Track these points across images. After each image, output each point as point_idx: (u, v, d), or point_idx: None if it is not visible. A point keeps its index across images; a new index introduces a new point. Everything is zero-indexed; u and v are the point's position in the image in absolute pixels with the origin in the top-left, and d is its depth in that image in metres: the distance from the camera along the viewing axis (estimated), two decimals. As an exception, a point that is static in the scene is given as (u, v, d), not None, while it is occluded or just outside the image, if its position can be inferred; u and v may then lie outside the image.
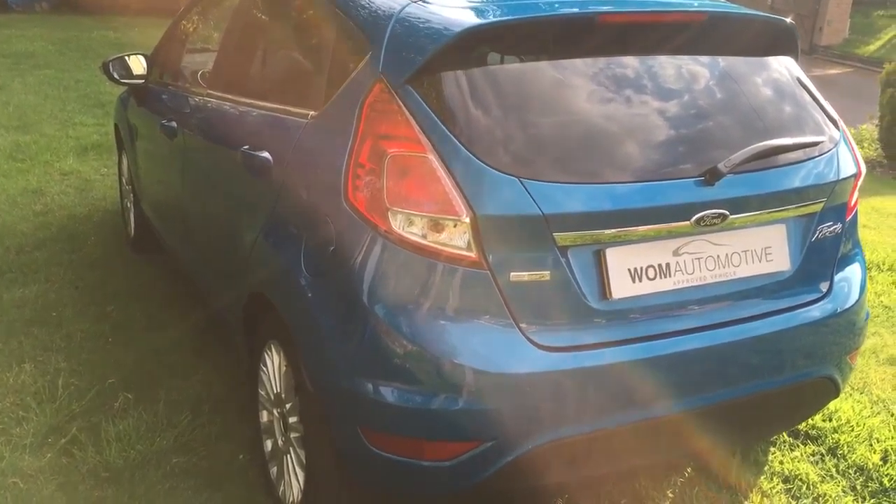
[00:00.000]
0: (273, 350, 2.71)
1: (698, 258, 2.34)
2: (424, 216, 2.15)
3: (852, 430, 3.31)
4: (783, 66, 2.68)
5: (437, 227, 2.15)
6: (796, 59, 2.75)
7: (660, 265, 2.30)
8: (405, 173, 2.17)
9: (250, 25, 3.31)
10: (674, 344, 2.29)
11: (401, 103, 2.23)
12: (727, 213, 2.31)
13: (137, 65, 4.29)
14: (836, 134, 2.64)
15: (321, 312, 2.33)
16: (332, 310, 2.30)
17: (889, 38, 19.70)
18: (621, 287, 2.25)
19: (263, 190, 2.72)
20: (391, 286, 2.19)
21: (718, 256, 2.37)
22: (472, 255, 2.14)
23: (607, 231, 2.21)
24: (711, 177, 2.28)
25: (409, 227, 2.16)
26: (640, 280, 2.28)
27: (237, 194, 2.96)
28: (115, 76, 4.18)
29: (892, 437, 3.27)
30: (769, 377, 2.49)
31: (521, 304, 2.17)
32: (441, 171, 2.14)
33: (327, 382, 2.32)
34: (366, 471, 2.34)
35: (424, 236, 2.15)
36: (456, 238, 2.14)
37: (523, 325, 2.18)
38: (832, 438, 3.25)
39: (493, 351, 2.17)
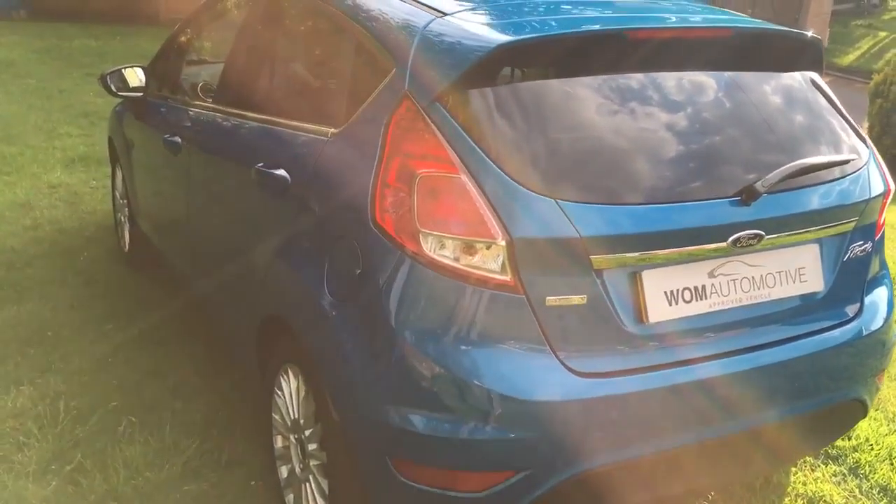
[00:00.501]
0: (290, 374, 2.62)
1: (733, 279, 2.29)
2: (457, 238, 2.08)
3: (871, 449, 3.27)
4: (809, 82, 2.64)
5: (469, 249, 2.08)
6: (821, 74, 2.71)
7: (695, 287, 2.24)
8: (436, 194, 2.10)
9: (262, 39, 3.22)
10: (710, 368, 2.23)
11: (430, 122, 2.16)
12: (763, 233, 2.26)
13: (134, 77, 4.20)
14: (865, 151, 2.60)
15: (346, 337, 2.25)
16: (358, 335, 2.22)
17: (867, 48, 19.86)
18: (658, 310, 2.19)
19: (280, 209, 2.64)
20: (422, 310, 2.11)
21: (753, 278, 2.32)
22: (507, 278, 2.07)
23: (644, 253, 2.15)
24: (748, 196, 2.23)
25: (440, 249, 2.09)
26: (677, 303, 2.22)
27: (250, 213, 2.87)
28: (113, 89, 4.08)
29: (913, 456, 3.24)
30: (803, 400, 2.44)
31: (556, 328, 2.11)
32: (474, 193, 2.07)
33: (354, 410, 2.24)
34: (395, 502, 2.25)
35: (457, 259, 2.08)
36: (489, 261, 2.07)
37: (559, 351, 2.11)
38: (852, 458, 3.21)
39: (529, 377, 2.10)
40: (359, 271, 2.22)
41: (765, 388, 2.34)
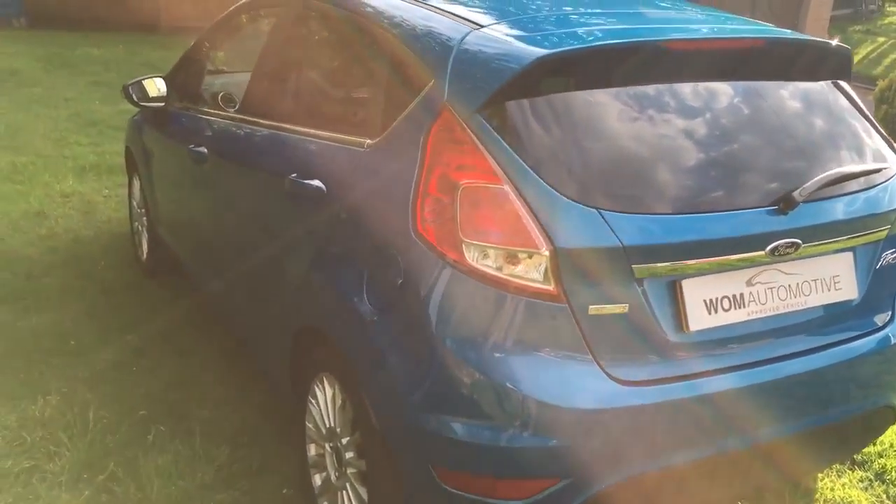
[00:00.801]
0: (325, 383, 2.64)
1: (771, 288, 2.31)
2: (500, 248, 2.10)
3: (896, 455, 3.29)
4: (838, 91, 2.66)
5: (513, 259, 2.10)
6: (848, 82, 2.74)
7: (734, 296, 2.26)
8: (480, 205, 2.12)
9: (292, 51, 3.24)
10: (751, 376, 2.25)
11: (471, 133, 2.18)
12: (800, 242, 2.28)
13: (153, 87, 4.21)
14: (894, 160, 2.62)
15: (388, 346, 2.26)
16: (400, 344, 2.24)
17: (866, 53, 19.91)
18: (698, 319, 2.21)
19: (314, 219, 2.66)
20: (464, 319, 2.13)
21: (790, 286, 2.34)
22: (551, 287, 2.09)
23: (685, 262, 2.17)
24: (786, 205, 2.25)
25: (483, 259, 2.11)
26: (716, 311, 2.24)
27: (282, 223, 2.89)
28: (135, 99, 4.10)
29: (937, 462, 3.26)
30: (837, 407, 2.47)
31: (599, 337, 2.13)
32: (518, 203, 2.09)
33: (396, 419, 2.25)
34: (436, 510, 2.27)
35: (500, 269, 2.10)
36: (532, 270, 2.09)
37: (601, 359, 2.13)
38: (878, 464, 3.23)
39: (572, 385, 2.12)
40: (400, 281, 2.24)
41: (800, 396, 2.37)
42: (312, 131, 2.80)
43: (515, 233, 2.09)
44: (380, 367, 2.28)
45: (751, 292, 2.29)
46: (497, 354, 2.11)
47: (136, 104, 4.16)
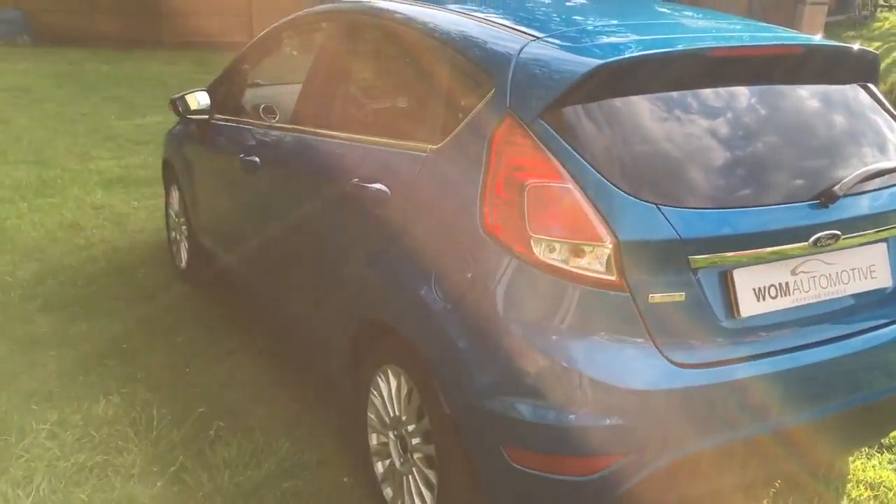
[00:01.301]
0: (389, 374, 2.80)
1: (813, 277, 2.48)
2: (566, 242, 2.27)
3: (923, 439, 3.46)
4: (869, 93, 2.84)
5: (578, 252, 2.27)
6: (877, 85, 2.92)
7: (780, 284, 2.43)
8: (546, 203, 2.29)
9: (346, 62, 3.42)
10: (796, 359, 2.42)
11: (534, 137, 2.35)
12: (839, 233, 2.45)
13: (194, 101, 4.37)
14: (922, 156, 2.80)
15: (459, 335, 2.43)
16: (470, 333, 2.40)
17: (861, 58, 20.11)
18: (748, 306, 2.38)
19: (378, 220, 2.82)
20: (533, 308, 2.30)
21: (830, 275, 2.51)
22: (614, 278, 2.26)
23: (737, 253, 2.35)
24: (827, 199, 2.43)
25: (550, 252, 2.28)
26: (764, 299, 2.41)
27: (343, 225, 3.05)
28: (181, 111, 4.27)
29: (963, 444, 3.43)
30: (875, 388, 2.63)
31: (658, 323, 2.29)
32: (582, 200, 2.26)
33: (467, 404, 2.42)
34: (506, 488, 2.43)
35: (566, 261, 2.27)
36: (597, 262, 2.26)
37: (660, 344, 2.30)
38: (905, 447, 3.40)
39: (634, 368, 2.29)
40: (470, 275, 2.41)
41: (841, 378, 2.54)
42: (373, 138, 2.98)
43: (580, 227, 2.26)
44: (451, 354, 2.45)
45: (795, 281, 2.46)
46: (563, 340, 2.28)
47: (182, 116, 4.33)
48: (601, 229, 2.25)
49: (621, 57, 2.41)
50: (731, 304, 2.37)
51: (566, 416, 2.28)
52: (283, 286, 3.67)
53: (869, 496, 3.10)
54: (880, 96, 2.87)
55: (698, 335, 2.34)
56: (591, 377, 2.26)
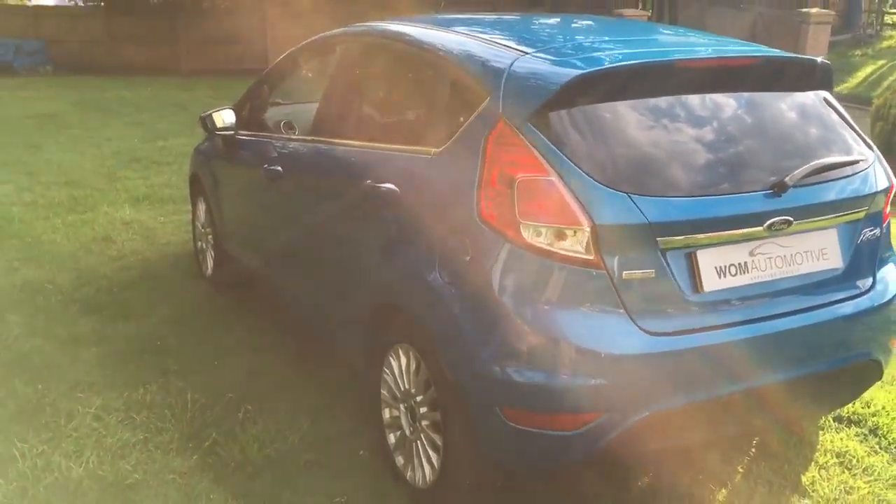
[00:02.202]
0: (400, 353, 3.16)
1: (769, 258, 2.83)
2: (551, 227, 2.63)
3: (888, 414, 3.78)
4: (822, 99, 3.20)
5: (561, 235, 2.63)
6: (831, 92, 3.27)
7: (739, 264, 2.79)
8: (533, 193, 2.66)
9: (357, 80, 3.83)
10: (754, 329, 2.77)
11: (523, 138, 2.72)
12: (791, 219, 2.81)
13: (219, 119, 4.76)
14: (870, 155, 3.15)
15: (459, 312, 2.79)
16: (469, 309, 2.77)
17: (865, 75, 20.46)
18: (710, 282, 2.73)
19: (388, 215, 3.20)
20: (523, 285, 2.66)
21: (785, 256, 2.86)
22: (592, 257, 2.62)
23: (700, 235, 2.70)
24: (779, 189, 2.79)
25: (537, 236, 2.64)
26: (725, 276, 2.76)
27: (358, 222, 3.43)
28: (209, 127, 4.68)
29: (924, 419, 3.76)
30: (829, 357, 2.98)
31: (631, 297, 2.65)
32: (565, 191, 2.63)
33: (468, 371, 2.77)
34: (503, 445, 2.78)
35: (551, 244, 2.64)
36: (577, 244, 2.62)
37: (633, 314, 2.65)
38: (872, 421, 3.72)
39: (611, 336, 2.64)
40: (468, 258, 2.77)
41: (796, 348, 2.88)
42: (382, 145, 3.37)
43: (563, 214, 2.63)
44: (453, 328, 2.81)
45: (753, 261, 2.81)
46: (550, 312, 2.64)
47: (210, 132, 4.74)
48: (581, 215, 2.61)
49: (598, 67, 2.79)
50: (695, 281, 2.72)
51: (553, 378, 2.63)
52: (304, 281, 4.04)
53: (835, 462, 3.43)
54: (835, 102, 3.23)
55: (667, 307, 2.70)
56: (575, 344, 2.62)
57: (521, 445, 2.75)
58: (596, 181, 2.64)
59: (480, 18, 4.05)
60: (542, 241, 2.64)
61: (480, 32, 3.32)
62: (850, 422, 3.74)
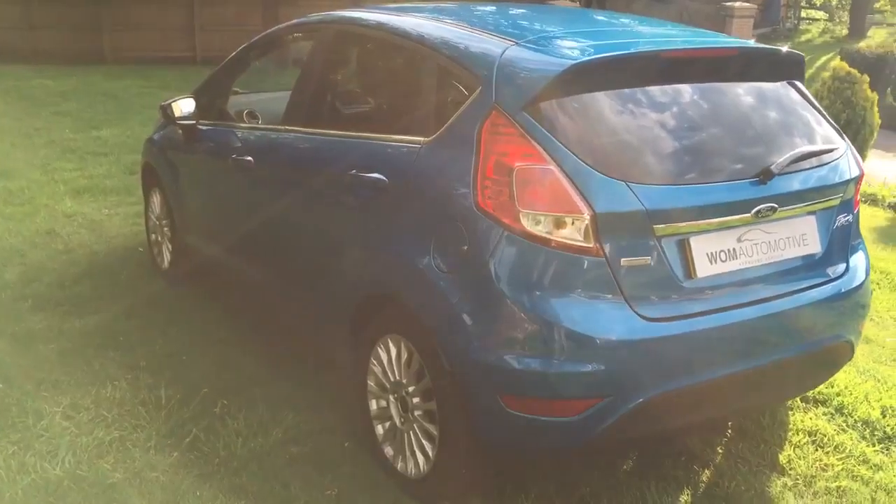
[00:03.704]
0: (390, 343, 3.15)
1: (755, 244, 2.91)
2: (550, 215, 2.66)
3: (851, 394, 3.93)
4: (797, 89, 3.30)
5: (560, 224, 2.66)
6: (803, 82, 3.38)
7: (729, 250, 2.86)
8: (532, 182, 2.68)
9: (335, 70, 3.78)
10: (742, 313, 2.85)
11: (519, 126, 2.74)
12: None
13: (177, 108, 4.64)
14: (842, 143, 3.27)
15: (457, 301, 2.80)
16: (467, 297, 2.77)
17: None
18: (703, 268, 2.80)
19: (377, 206, 3.18)
20: (523, 274, 2.69)
21: (769, 242, 2.95)
22: (591, 245, 2.65)
23: (693, 223, 2.76)
24: (765, 177, 2.87)
25: (536, 225, 2.66)
26: (716, 262, 2.83)
27: (341, 212, 3.40)
28: (171, 116, 4.55)
29: (884, 397, 3.92)
30: (809, 339, 3.09)
31: (628, 283, 2.70)
32: (563, 179, 2.65)
33: (467, 360, 2.77)
34: (502, 432, 2.80)
35: (549, 232, 2.66)
36: (576, 232, 2.65)
37: (631, 301, 2.70)
38: (836, 401, 3.87)
39: (609, 322, 2.68)
40: (465, 247, 2.77)
41: (782, 329, 2.98)
42: (367, 134, 3.34)
43: (562, 202, 2.65)
44: (451, 317, 2.81)
45: (741, 247, 2.89)
46: (549, 300, 2.67)
47: (173, 122, 4.61)
48: (580, 203, 2.64)
49: (591, 57, 2.82)
50: (688, 267, 2.78)
51: (553, 364, 2.66)
52: (283, 273, 3.97)
53: (808, 441, 3.55)
54: (806, 92, 3.33)
55: (663, 293, 2.75)
56: (574, 331, 2.65)
57: (521, 432, 2.77)
58: (594, 169, 2.67)
59: (428, 6, 3.91)
60: (541, 230, 2.66)
61: (469, 20, 3.31)
62: (816, 402, 3.88)
